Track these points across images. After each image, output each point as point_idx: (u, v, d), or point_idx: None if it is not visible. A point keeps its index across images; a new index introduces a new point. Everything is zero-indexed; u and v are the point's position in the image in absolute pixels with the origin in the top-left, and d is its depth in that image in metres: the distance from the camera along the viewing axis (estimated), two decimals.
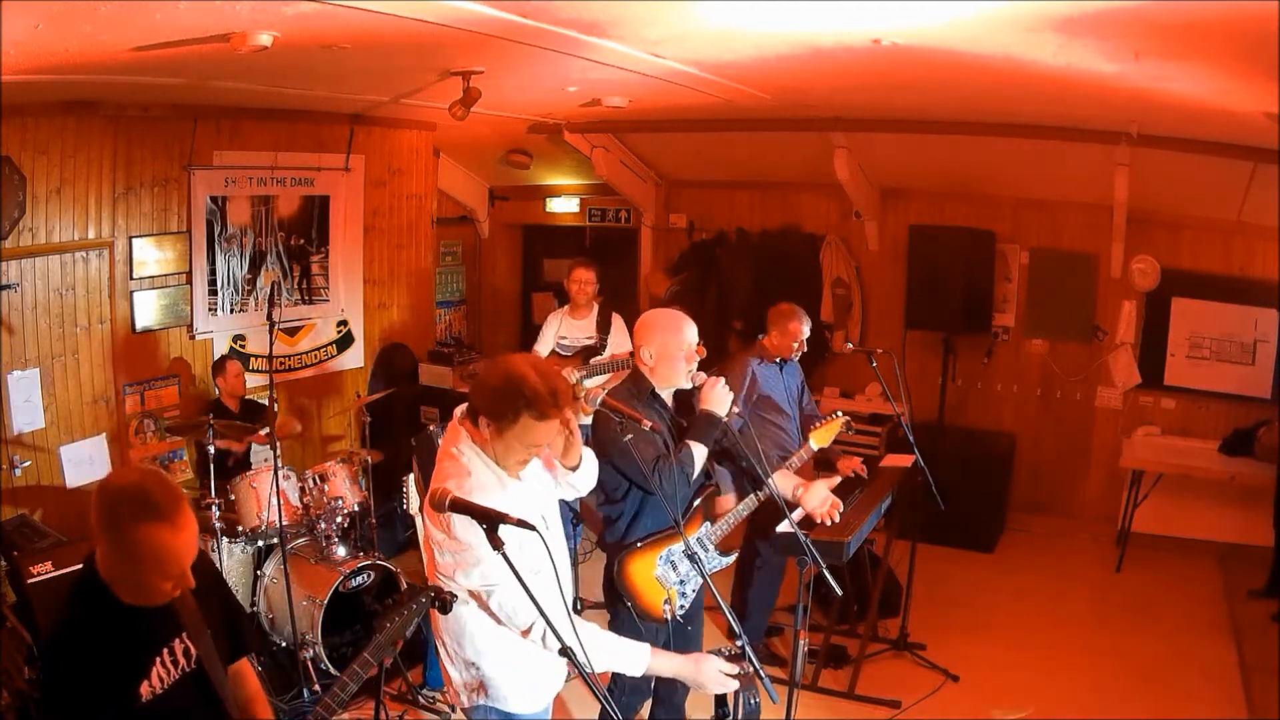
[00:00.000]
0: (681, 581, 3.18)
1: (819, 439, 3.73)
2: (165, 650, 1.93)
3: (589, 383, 5.35)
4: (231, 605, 2.25)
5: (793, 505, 3.43)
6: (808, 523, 3.52)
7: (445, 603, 2.10)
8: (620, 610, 3.18)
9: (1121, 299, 6.30)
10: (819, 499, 3.39)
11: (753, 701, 2.65)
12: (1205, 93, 3.62)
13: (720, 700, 2.78)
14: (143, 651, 1.89)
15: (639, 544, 3.15)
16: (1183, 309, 6.14)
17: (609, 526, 3.23)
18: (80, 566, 1.93)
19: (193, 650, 1.98)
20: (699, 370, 3.19)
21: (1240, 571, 5.71)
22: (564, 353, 5.59)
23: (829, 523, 3.45)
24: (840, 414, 3.82)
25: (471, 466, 2.41)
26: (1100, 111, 4.52)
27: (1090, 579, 5.79)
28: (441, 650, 2.59)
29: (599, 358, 5.50)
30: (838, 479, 3.67)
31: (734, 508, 3.37)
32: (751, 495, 3.33)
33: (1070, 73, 3.49)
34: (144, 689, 1.87)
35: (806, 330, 4.48)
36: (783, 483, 3.42)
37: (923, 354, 6.70)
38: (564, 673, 2.64)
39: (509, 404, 2.31)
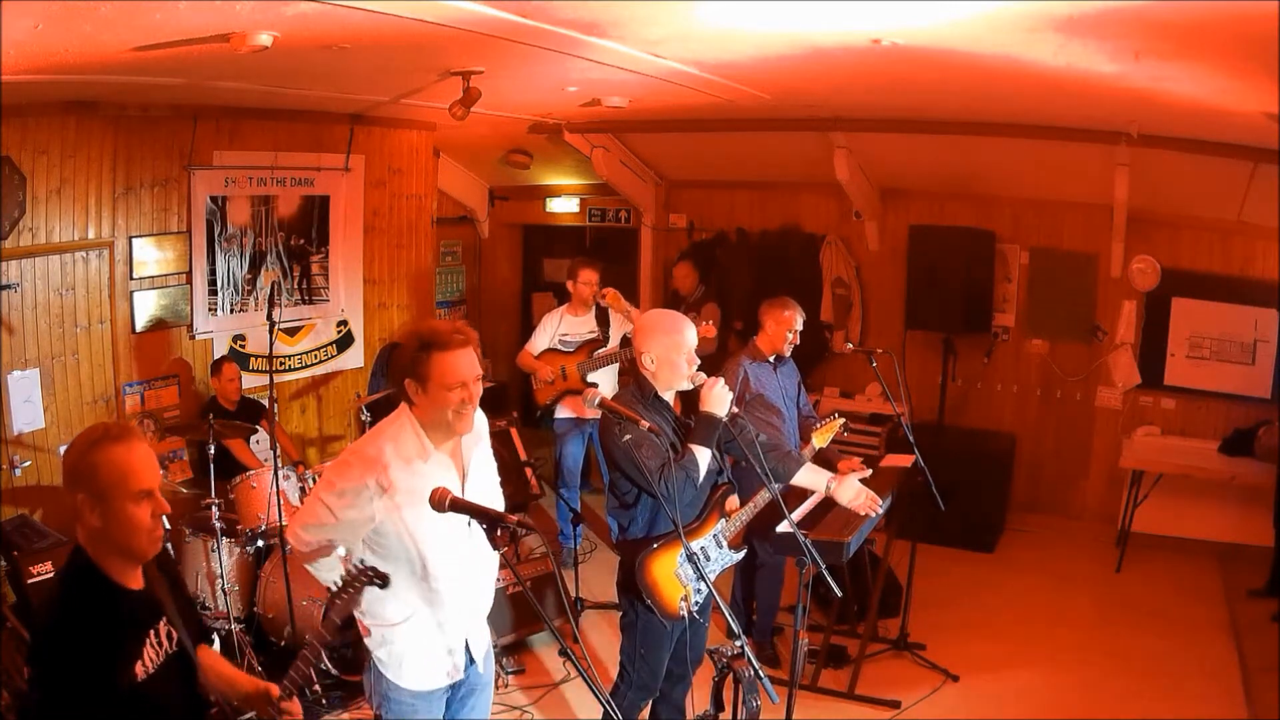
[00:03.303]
0: (699, 578, 3.18)
1: (820, 439, 3.87)
2: (152, 631, 1.99)
3: (592, 376, 5.45)
4: (188, 594, 2.40)
5: (825, 498, 3.46)
6: (807, 523, 3.52)
7: (385, 579, 2.39)
8: (637, 607, 3.18)
9: (1121, 299, 6.30)
10: (853, 493, 3.42)
11: (754, 704, 2.66)
12: (1205, 93, 3.62)
13: (716, 700, 2.78)
14: (135, 632, 1.95)
15: (655, 545, 3.14)
16: (1183, 309, 6.14)
17: (624, 530, 3.22)
18: (69, 558, 1.97)
19: (173, 632, 2.05)
20: (699, 371, 3.19)
21: (1240, 571, 5.70)
22: (566, 349, 5.62)
23: (873, 515, 3.46)
24: (837, 415, 3.97)
25: (387, 439, 2.51)
26: (1100, 111, 4.52)
27: (1090, 579, 5.78)
28: None
29: (602, 350, 5.55)
30: (868, 471, 3.67)
31: (743, 506, 3.39)
32: (763, 492, 3.33)
33: (1070, 73, 3.49)
34: (139, 669, 1.92)
35: (799, 320, 4.45)
36: (813, 477, 3.44)
37: (923, 354, 6.70)
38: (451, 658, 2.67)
39: (418, 349, 2.48)
